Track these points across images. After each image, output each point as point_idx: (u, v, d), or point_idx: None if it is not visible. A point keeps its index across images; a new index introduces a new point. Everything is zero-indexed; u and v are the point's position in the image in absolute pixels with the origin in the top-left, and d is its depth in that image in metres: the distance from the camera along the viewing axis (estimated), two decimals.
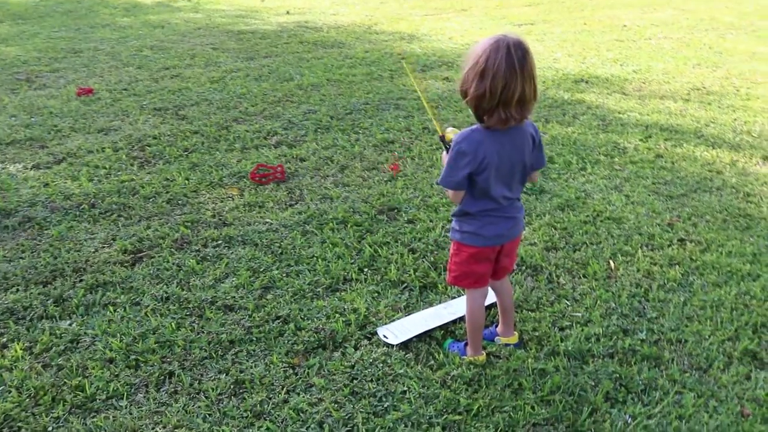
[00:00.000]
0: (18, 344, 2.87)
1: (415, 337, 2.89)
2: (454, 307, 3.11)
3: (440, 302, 3.15)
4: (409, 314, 3.05)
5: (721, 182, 4.52)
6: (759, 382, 2.71)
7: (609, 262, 3.54)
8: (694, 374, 2.74)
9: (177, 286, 3.28)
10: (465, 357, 2.78)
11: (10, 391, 2.62)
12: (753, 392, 2.66)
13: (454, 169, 2.37)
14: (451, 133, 2.50)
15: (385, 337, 2.90)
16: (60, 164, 4.74)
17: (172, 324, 2.99)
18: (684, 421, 2.49)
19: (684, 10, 11.56)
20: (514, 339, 2.89)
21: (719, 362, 2.81)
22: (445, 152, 2.50)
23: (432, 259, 3.51)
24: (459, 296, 3.18)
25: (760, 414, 2.55)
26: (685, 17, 10.86)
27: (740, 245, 3.72)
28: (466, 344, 2.81)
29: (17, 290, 3.27)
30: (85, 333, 2.96)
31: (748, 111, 6.04)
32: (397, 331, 2.93)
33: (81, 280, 3.35)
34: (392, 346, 2.84)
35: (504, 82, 2.18)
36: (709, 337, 2.96)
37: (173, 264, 3.48)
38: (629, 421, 2.48)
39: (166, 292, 3.23)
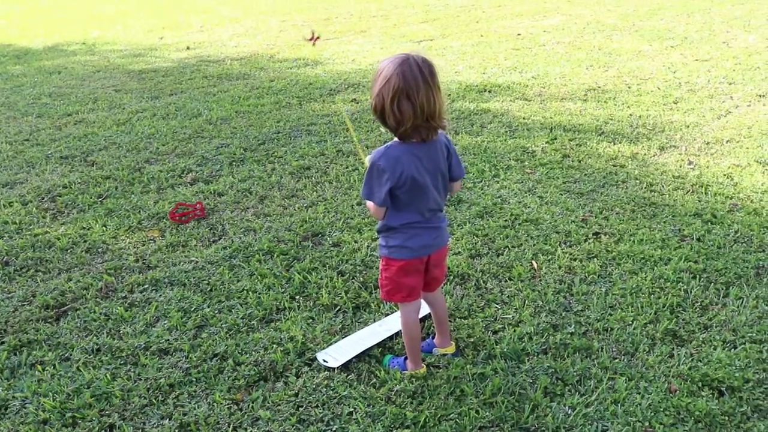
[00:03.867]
0: None
1: (354, 357, 2.93)
2: (389, 324, 3.16)
3: (375, 321, 3.19)
4: (345, 336, 3.09)
5: (625, 175, 4.76)
6: (681, 358, 2.88)
7: (531, 263, 3.67)
8: (623, 359, 2.89)
9: (107, 336, 3.20)
10: (406, 371, 2.83)
11: None
12: (677, 368, 2.82)
13: (376, 186, 2.44)
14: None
15: (324, 361, 2.92)
16: None
17: (107, 375, 2.92)
18: (619, 405, 2.62)
19: (571, 15, 12.10)
20: (451, 349, 2.97)
21: (644, 345, 2.96)
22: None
23: (361, 279, 3.56)
24: (392, 312, 3.24)
25: (685, 388, 2.71)
26: (574, 22, 11.37)
27: (650, 233, 3.93)
28: (405, 359, 2.87)
29: None
30: (13, 397, 2.84)
31: (641, 106, 6.38)
32: (336, 354, 2.96)
33: (2, 342, 3.21)
34: (333, 369, 2.86)
35: (426, 98, 2.29)
36: (632, 322, 3.12)
37: (100, 314, 3.39)
38: (569, 412, 2.59)
39: (97, 344, 3.15)
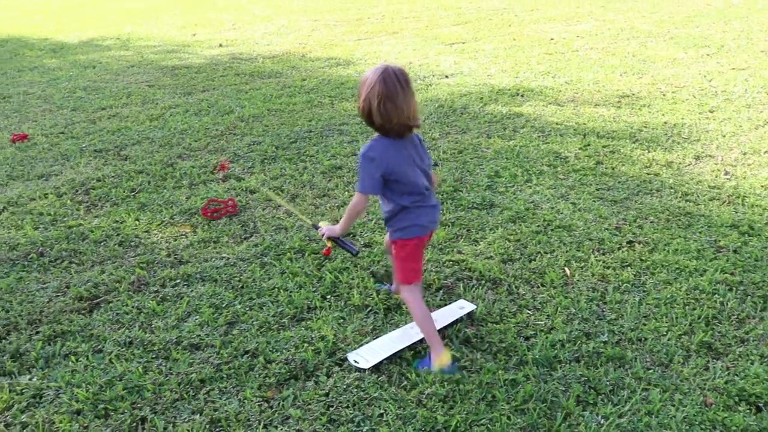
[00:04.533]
0: None
1: (385, 359, 2.92)
2: None
3: (406, 323, 3.18)
4: (376, 337, 3.08)
5: (659, 184, 4.70)
6: (717, 371, 2.83)
7: (564, 269, 3.64)
8: (657, 370, 2.84)
9: (139, 330, 3.23)
10: (433, 365, 2.85)
11: None
12: (713, 382, 2.77)
13: (368, 174, 2.74)
14: (324, 223, 3.05)
15: (355, 362, 2.91)
16: (1, 214, 4.61)
17: (139, 368, 2.94)
18: (653, 416, 2.58)
19: (604, 21, 11.99)
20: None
21: (679, 356, 2.92)
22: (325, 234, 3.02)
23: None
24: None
25: (721, 402, 2.66)
26: (607, 28, 11.27)
27: (684, 243, 3.88)
28: (429, 356, 2.90)
29: None
30: (47, 386, 2.87)
31: (677, 114, 6.30)
32: (367, 355, 2.96)
33: (37, 332, 3.25)
34: (364, 370, 2.85)
35: (404, 101, 2.63)
36: (667, 333, 3.08)
37: (133, 307, 3.42)
38: (602, 422, 2.56)
39: (129, 337, 3.17)
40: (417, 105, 2.72)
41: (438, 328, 2.98)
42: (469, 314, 3.22)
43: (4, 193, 4.96)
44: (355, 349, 3.01)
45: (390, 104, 2.60)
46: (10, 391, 2.85)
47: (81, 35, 12.81)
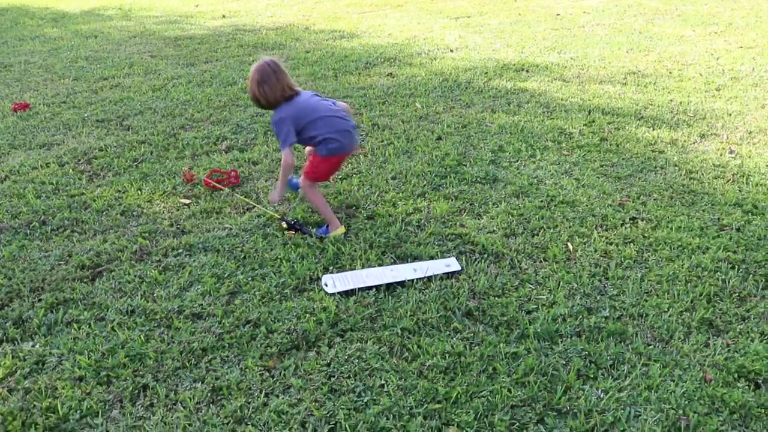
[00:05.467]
0: None
1: (354, 289, 3.20)
2: (400, 272, 3.34)
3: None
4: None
5: (664, 161, 4.68)
6: (717, 348, 2.83)
7: (567, 245, 3.63)
8: (658, 346, 2.85)
9: (141, 298, 3.23)
10: (330, 234, 3.69)
11: None
12: (713, 358, 2.77)
13: (284, 132, 3.58)
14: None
15: (326, 285, 3.24)
16: (3, 183, 4.60)
17: (141, 336, 2.95)
18: (653, 391, 2.59)
19: None
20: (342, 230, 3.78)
21: (679, 333, 2.92)
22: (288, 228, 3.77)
23: (395, 253, 3.55)
24: (404, 263, 3.24)
25: (721, 378, 2.67)
26: (614, 4, 11.16)
27: (688, 220, 3.86)
28: (327, 226, 3.75)
29: None
30: (50, 353, 2.89)
31: (682, 92, 6.26)
32: (339, 282, 3.25)
33: (40, 300, 3.26)
34: (330, 295, 2.86)
35: (276, 80, 3.55)
36: (668, 309, 3.08)
37: (135, 276, 3.42)
38: (602, 396, 2.57)
39: (131, 305, 3.18)
40: (290, 79, 3.63)
41: (420, 277, 3.31)
42: (472, 289, 3.22)
43: (6, 162, 4.94)
44: (333, 273, 3.13)
45: (266, 85, 3.54)
46: (13, 357, 2.87)
47: (82, 5, 12.71)
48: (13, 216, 4.09)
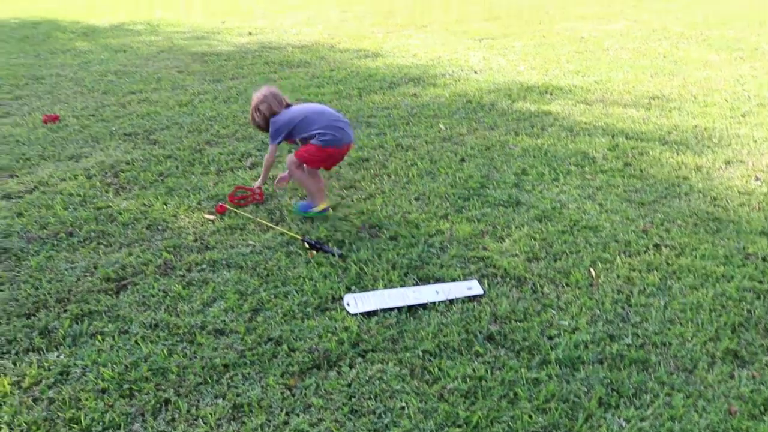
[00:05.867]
0: (5, 379, 2.82)
1: (375, 310, 3.21)
2: (422, 294, 3.34)
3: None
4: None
5: (688, 188, 4.66)
6: (742, 380, 2.80)
7: (590, 270, 3.62)
8: (681, 375, 2.82)
9: (165, 312, 3.26)
10: (314, 208, 4.16)
11: (1, 428, 2.58)
12: (738, 390, 2.74)
13: (274, 131, 4.11)
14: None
15: (348, 304, 3.25)
16: (32, 193, 4.68)
17: (164, 351, 2.97)
18: (676, 422, 2.57)
19: (636, 21, 11.89)
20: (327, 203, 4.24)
21: (703, 363, 2.89)
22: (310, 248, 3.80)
23: (417, 275, 3.56)
24: (426, 285, 3.28)
25: (746, 410, 2.63)
26: (639, 28, 11.17)
27: (712, 248, 3.84)
28: (307, 202, 4.19)
29: (0, 324, 3.22)
30: (74, 364, 2.92)
31: (707, 117, 6.24)
32: (361, 302, 3.26)
33: (65, 311, 3.30)
34: (352, 315, 2.87)
35: (273, 101, 4.17)
36: (692, 338, 3.05)
37: (159, 290, 3.46)
38: (623, 425, 2.55)
39: (155, 319, 3.21)
40: (283, 96, 4.20)
41: (442, 300, 3.30)
42: (494, 313, 3.22)
43: (35, 173, 5.03)
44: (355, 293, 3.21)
45: (263, 105, 4.13)
46: (38, 366, 2.90)
47: (112, 19, 12.93)
48: (41, 226, 4.16)
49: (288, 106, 4.22)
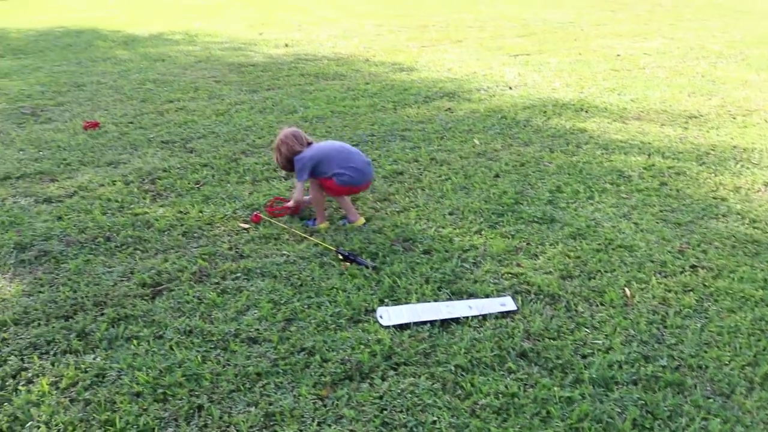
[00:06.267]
0: (44, 379, 2.88)
1: (407, 323, 3.23)
2: (455, 309, 3.33)
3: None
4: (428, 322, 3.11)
5: (726, 209, 4.60)
6: None
7: (624, 290, 3.58)
8: (718, 400, 2.78)
9: (199, 319, 3.30)
10: (317, 225, 4.28)
11: (39, 427, 2.63)
12: None
13: (300, 169, 4.19)
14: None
15: (381, 317, 3.27)
16: (72, 198, 4.77)
17: (198, 357, 3.01)
18: None
19: (673, 39, 11.78)
20: (362, 221, 4.34)
21: (741, 388, 2.85)
22: (344, 260, 3.83)
23: (451, 289, 3.55)
24: (459, 300, 3.25)
25: None
26: (676, 46, 11.07)
27: (751, 271, 3.78)
28: (315, 219, 4.33)
29: (39, 324, 3.28)
30: (110, 367, 2.96)
31: (746, 138, 6.15)
32: (394, 315, 3.28)
33: (102, 314, 3.36)
34: (384, 327, 2.87)
35: (294, 141, 4.27)
36: (729, 362, 3.00)
37: (194, 297, 3.50)
38: None
39: (189, 325, 3.25)
40: (304, 135, 4.32)
41: (475, 315, 3.30)
42: (527, 330, 3.21)
43: (75, 178, 5.13)
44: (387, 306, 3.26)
45: (283, 146, 4.25)
46: (75, 368, 2.95)
47: (151, 29, 13.15)
48: (80, 231, 4.23)
49: (309, 144, 4.32)
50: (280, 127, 4.12)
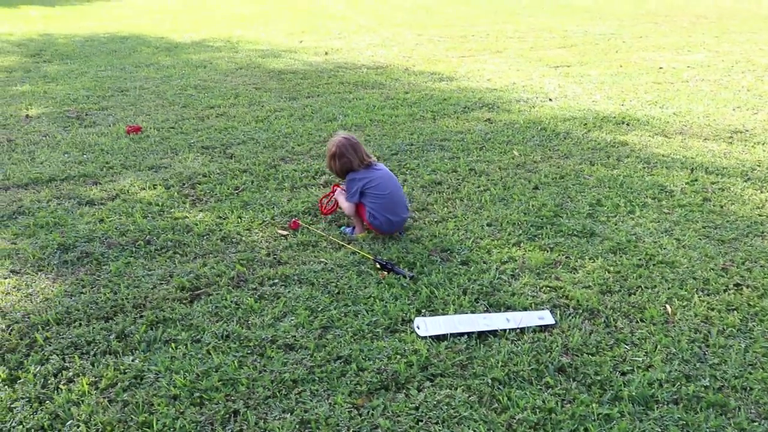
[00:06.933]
0: (84, 379, 2.92)
1: (444, 334, 3.21)
2: (493, 321, 3.31)
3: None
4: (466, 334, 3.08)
5: None
6: None
7: (666, 307, 3.52)
8: (764, 424, 2.70)
9: (237, 324, 3.32)
10: (355, 235, 4.30)
11: (78, 426, 2.67)
12: None
13: (353, 191, 4.21)
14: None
15: (418, 327, 3.26)
16: (114, 201, 4.85)
17: (235, 362, 3.02)
18: None
19: (718, 52, 11.57)
20: (362, 236, 4.30)
21: None
22: (381, 268, 3.83)
23: (488, 301, 3.52)
24: (497, 312, 3.19)
25: None
26: (720, 59, 10.87)
27: None
28: (354, 228, 4.36)
29: (80, 325, 3.33)
30: (148, 369, 3.00)
31: None
32: (431, 326, 3.26)
33: (141, 316, 3.40)
34: (422, 338, 2.84)
35: (353, 153, 4.22)
36: None
37: (231, 302, 3.53)
38: None
39: (226, 330, 3.27)
40: (365, 150, 4.28)
41: (513, 328, 3.27)
42: (565, 344, 3.16)
43: (117, 181, 5.22)
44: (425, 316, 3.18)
45: (344, 158, 4.21)
46: (114, 369, 2.99)
47: (193, 36, 13.35)
48: (121, 233, 4.30)
49: (368, 165, 4.25)
50: (335, 132, 4.04)
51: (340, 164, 4.22)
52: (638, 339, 3.24)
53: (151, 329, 3.30)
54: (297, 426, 2.66)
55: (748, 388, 2.90)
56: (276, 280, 3.74)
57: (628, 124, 6.94)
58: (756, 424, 2.69)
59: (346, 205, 4.30)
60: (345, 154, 4.19)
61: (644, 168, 5.60)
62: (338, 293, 3.60)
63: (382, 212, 4.14)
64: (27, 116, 7.18)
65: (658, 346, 3.18)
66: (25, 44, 12.20)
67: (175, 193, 4.99)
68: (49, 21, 16.06)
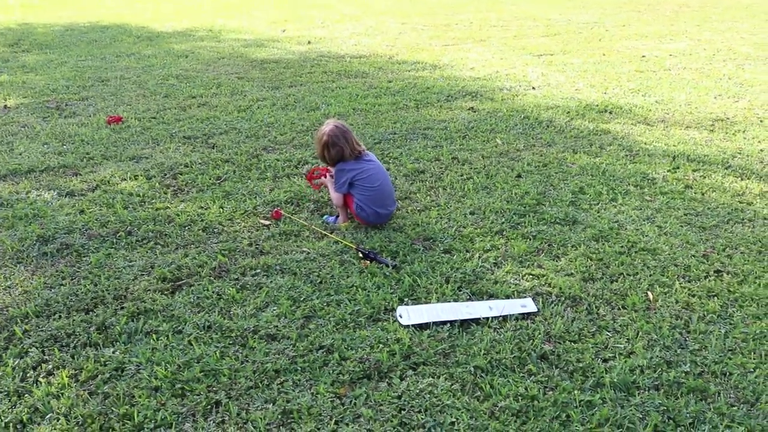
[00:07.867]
0: (64, 371, 2.90)
1: (431, 322, 3.21)
2: (475, 309, 3.31)
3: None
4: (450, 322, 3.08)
5: (752, 213, 4.52)
6: None
7: (647, 294, 3.54)
8: (742, 408, 2.73)
9: (218, 315, 3.30)
10: (338, 224, 4.26)
11: (58, 419, 2.64)
12: None
13: (341, 181, 4.16)
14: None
15: (400, 316, 3.25)
16: (94, 192, 4.80)
17: (216, 353, 3.01)
18: None
19: (700, 41, 11.63)
20: (345, 225, 4.28)
21: (767, 395, 2.79)
22: (364, 258, 3.81)
23: (471, 289, 3.53)
24: (479, 301, 3.19)
25: None
26: (702, 48, 10.92)
27: None
28: (337, 216, 4.34)
29: (60, 317, 3.30)
30: (129, 361, 2.97)
31: None
32: (414, 314, 3.26)
33: (122, 308, 3.37)
34: (404, 326, 2.84)
35: (344, 141, 4.13)
36: (755, 369, 2.95)
37: (213, 292, 3.50)
38: None
39: (208, 321, 3.25)
40: (355, 139, 4.20)
41: (495, 316, 3.27)
42: (548, 332, 3.17)
43: (97, 172, 5.16)
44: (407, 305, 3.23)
45: (335, 148, 4.12)
46: (95, 361, 2.97)
47: (175, 25, 13.24)
48: (101, 224, 4.26)
49: (359, 154, 4.20)
50: (324, 121, 3.94)
51: (334, 152, 4.13)
52: (620, 326, 3.25)
53: (132, 321, 3.27)
54: (279, 416, 2.65)
55: (728, 373, 2.92)
56: (258, 270, 3.72)
57: (610, 113, 6.96)
58: (735, 408, 2.72)
59: (334, 196, 4.25)
60: (337, 143, 4.12)
61: (626, 156, 5.62)
62: (321, 283, 3.59)
63: (371, 205, 4.12)
64: (5, 107, 7.09)
65: (640, 333, 3.19)
66: (3, 34, 12.04)
67: (157, 184, 4.94)
68: (28, 10, 15.85)
